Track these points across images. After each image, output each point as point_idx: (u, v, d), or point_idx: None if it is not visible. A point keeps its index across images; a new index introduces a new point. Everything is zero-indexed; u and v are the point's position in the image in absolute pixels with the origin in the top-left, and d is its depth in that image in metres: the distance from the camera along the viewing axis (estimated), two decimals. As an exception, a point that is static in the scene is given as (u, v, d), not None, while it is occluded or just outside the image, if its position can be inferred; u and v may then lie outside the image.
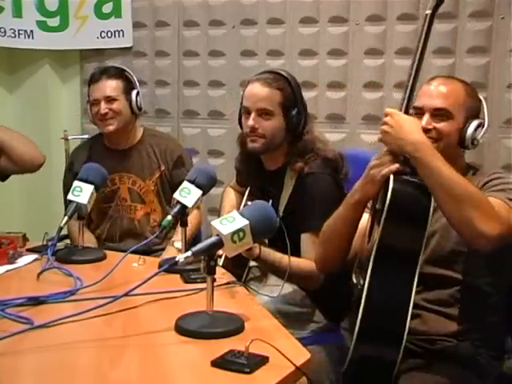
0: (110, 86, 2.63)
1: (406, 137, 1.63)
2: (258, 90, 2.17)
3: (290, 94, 2.17)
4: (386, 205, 1.58)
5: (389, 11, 3.14)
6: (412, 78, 1.68)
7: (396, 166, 1.64)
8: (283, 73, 2.22)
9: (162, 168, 2.70)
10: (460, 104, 1.78)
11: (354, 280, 1.77)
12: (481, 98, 1.88)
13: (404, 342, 1.56)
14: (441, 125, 1.75)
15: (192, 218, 2.46)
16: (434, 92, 1.79)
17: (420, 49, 1.68)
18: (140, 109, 2.71)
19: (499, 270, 1.76)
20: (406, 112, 1.69)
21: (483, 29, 2.98)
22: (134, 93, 2.68)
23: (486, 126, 1.80)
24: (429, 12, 1.67)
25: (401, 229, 1.60)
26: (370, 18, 3.17)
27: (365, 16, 3.18)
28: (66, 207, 2.29)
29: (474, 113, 1.82)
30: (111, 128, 2.63)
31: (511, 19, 2.92)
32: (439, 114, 1.76)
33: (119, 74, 2.69)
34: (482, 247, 1.61)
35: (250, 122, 2.16)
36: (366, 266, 1.64)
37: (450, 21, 3.01)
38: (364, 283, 1.62)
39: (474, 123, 1.78)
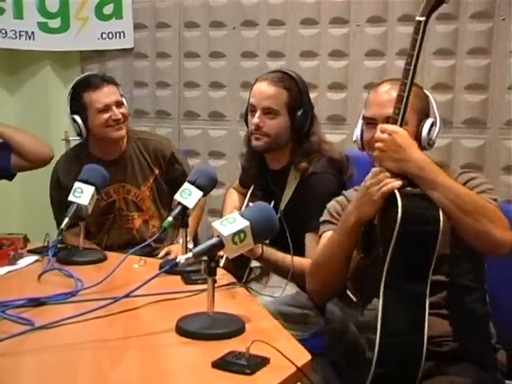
0: (116, 92, 2.56)
1: (405, 156, 1.60)
2: (264, 88, 2.17)
3: (297, 94, 2.18)
4: (398, 221, 1.53)
5: (389, 12, 3.14)
6: (408, 88, 1.61)
7: (399, 182, 1.59)
8: (291, 73, 2.22)
9: (156, 172, 2.63)
10: (409, 107, 1.71)
11: (353, 297, 1.73)
12: (428, 94, 1.84)
13: (424, 356, 1.55)
14: None
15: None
16: (383, 99, 1.74)
17: (415, 58, 1.62)
18: (129, 114, 2.65)
19: (479, 265, 1.77)
20: (402, 123, 1.64)
21: (484, 30, 2.99)
22: (124, 99, 2.61)
23: (438, 124, 1.76)
24: (423, 19, 1.61)
25: (413, 244, 1.57)
26: (371, 20, 3.18)
27: (365, 17, 3.18)
28: (58, 224, 2.27)
29: (425, 112, 1.79)
30: (123, 133, 2.55)
31: (512, 20, 2.93)
32: (392, 122, 1.67)
33: (113, 79, 2.61)
34: (500, 255, 1.63)
35: (255, 119, 2.17)
36: (365, 283, 1.64)
37: (451, 22, 3.01)
38: (366, 301, 1.62)
39: (427, 124, 1.74)
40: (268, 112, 2.16)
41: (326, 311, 1.83)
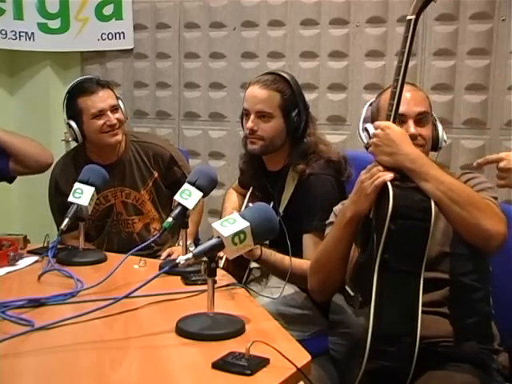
0: (111, 96, 2.50)
1: (398, 150, 1.64)
2: (256, 92, 2.17)
3: (290, 95, 2.17)
4: (389, 212, 1.56)
5: (389, 13, 3.14)
6: (400, 84, 1.65)
7: (390, 175, 1.63)
8: (284, 74, 2.21)
9: (155, 175, 2.60)
10: (429, 106, 1.82)
11: (350, 291, 1.75)
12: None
13: (416, 353, 1.55)
14: (423, 129, 1.77)
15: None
16: (412, 97, 1.78)
17: (406, 55, 1.65)
18: (126, 118, 2.57)
19: (483, 265, 1.78)
20: (395, 119, 1.68)
21: (484, 31, 2.99)
22: (120, 102, 2.54)
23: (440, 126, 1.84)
24: (412, 17, 1.65)
25: (405, 235, 1.59)
26: (371, 20, 3.18)
27: (365, 18, 3.19)
28: (57, 227, 2.26)
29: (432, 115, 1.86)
30: (119, 138, 2.50)
31: (512, 21, 2.93)
32: (422, 118, 1.77)
33: (108, 83, 2.56)
34: (493, 249, 1.64)
35: (249, 124, 2.17)
36: (362, 277, 1.64)
37: (451, 23, 3.01)
38: (362, 296, 1.63)
39: (439, 125, 1.82)
40: (262, 115, 2.16)
41: (335, 308, 1.83)
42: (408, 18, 1.67)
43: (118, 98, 2.54)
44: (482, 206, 1.62)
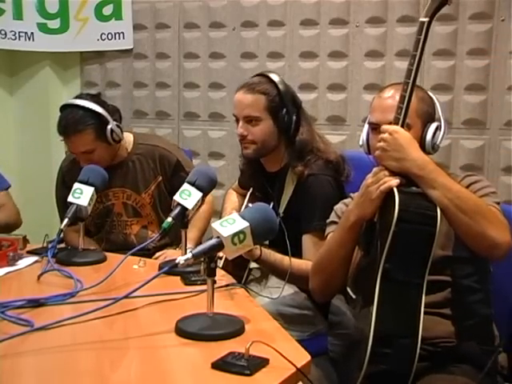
0: (82, 143, 2.40)
1: (406, 156, 1.61)
2: (241, 97, 2.17)
3: (276, 96, 2.15)
4: (395, 218, 1.55)
5: (389, 13, 3.14)
6: (410, 87, 1.62)
7: (397, 180, 1.60)
8: (269, 74, 2.20)
9: (159, 179, 2.57)
10: (413, 111, 1.71)
11: (352, 294, 1.74)
12: (433, 97, 1.84)
13: (417, 356, 1.55)
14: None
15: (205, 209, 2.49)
16: (386, 105, 1.74)
17: (418, 58, 1.61)
18: (119, 140, 2.47)
19: (482, 267, 1.78)
20: (403, 123, 1.65)
21: (483, 31, 2.99)
22: (108, 130, 2.40)
23: (443, 127, 1.76)
24: (426, 20, 1.60)
25: (410, 241, 1.57)
26: (371, 20, 3.18)
27: (365, 18, 3.19)
28: (61, 220, 2.26)
29: (430, 116, 1.79)
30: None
31: (511, 21, 2.92)
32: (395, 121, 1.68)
33: (87, 121, 2.38)
34: (498, 258, 1.64)
35: (239, 130, 2.18)
36: (364, 280, 1.64)
37: (451, 23, 3.02)
38: (363, 300, 1.62)
39: (432, 128, 1.74)
40: (250, 120, 2.16)
41: (334, 310, 1.83)
42: (421, 20, 1.61)
43: (97, 137, 2.40)
44: (488, 214, 1.61)
